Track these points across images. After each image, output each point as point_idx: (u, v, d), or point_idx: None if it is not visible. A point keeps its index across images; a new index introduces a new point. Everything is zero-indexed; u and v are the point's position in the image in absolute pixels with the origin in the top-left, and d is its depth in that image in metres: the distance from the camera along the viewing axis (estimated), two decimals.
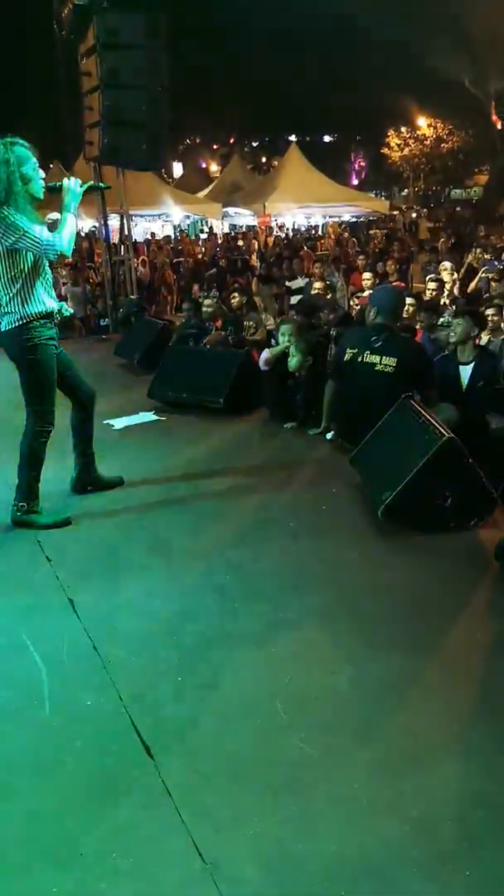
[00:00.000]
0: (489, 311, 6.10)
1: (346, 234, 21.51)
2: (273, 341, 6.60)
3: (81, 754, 2.33)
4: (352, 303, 8.23)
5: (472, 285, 9.65)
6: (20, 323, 3.81)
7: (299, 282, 12.12)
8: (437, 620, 3.02)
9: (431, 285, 8.00)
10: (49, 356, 3.90)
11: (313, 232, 23.55)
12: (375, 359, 4.78)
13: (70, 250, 3.86)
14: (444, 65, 25.87)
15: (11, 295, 3.78)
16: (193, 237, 23.75)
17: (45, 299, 3.88)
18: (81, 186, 3.98)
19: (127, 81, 8.45)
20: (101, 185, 4.68)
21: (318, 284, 9.75)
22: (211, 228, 23.94)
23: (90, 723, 2.48)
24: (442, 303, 7.78)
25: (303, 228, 25.12)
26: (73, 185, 3.93)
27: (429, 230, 20.62)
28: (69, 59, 9.71)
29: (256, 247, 20.19)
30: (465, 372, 4.94)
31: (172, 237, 22.36)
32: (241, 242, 20.70)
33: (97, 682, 2.70)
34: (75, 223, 3.90)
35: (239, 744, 2.35)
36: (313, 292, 9.49)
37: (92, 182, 4.23)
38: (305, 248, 17.77)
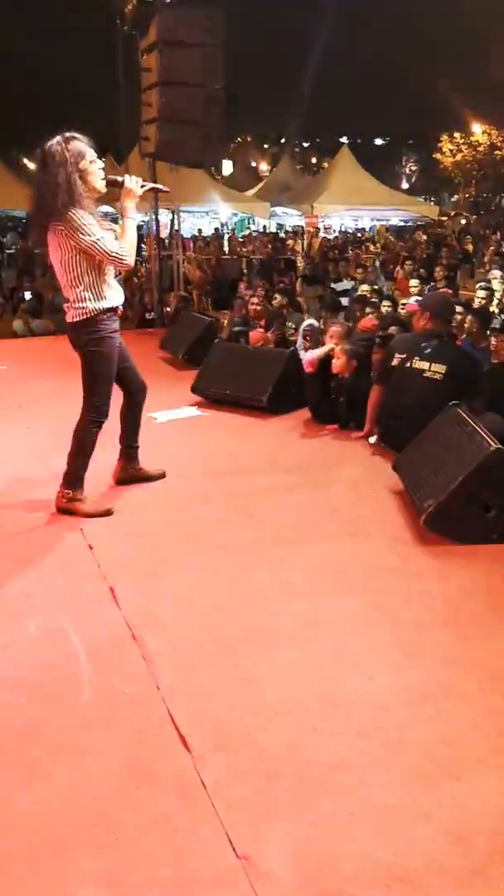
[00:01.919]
0: None
1: (392, 239, 21.37)
2: (301, 340, 6.60)
3: (118, 741, 2.36)
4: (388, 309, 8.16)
5: None
6: (87, 316, 3.88)
7: (345, 284, 12.12)
8: (476, 631, 3.00)
9: (481, 293, 7.93)
10: (112, 349, 3.97)
11: (360, 235, 23.41)
12: (424, 365, 4.75)
13: (133, 259, 3.95)
14: (502, 70, 25.55)
15: (79, 290, 3.85)
16: (241, 235, 23.75)
17: (111, 294, 3.94)
18: (142, 187, 4.02)
19: (186, 79, 8.51)
20: (160, 187, 4.70)
21: (364, 287, 9.73)
22: (265, 228, 23.94)
23: (127, 711, 2.51)
24: (491, 311, 7.71)
25: (350, 231, 25.00)
26: (133, 184, 3.95)
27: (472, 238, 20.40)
28: (130, 54, 9.80)
29: (302, 247, 20.17)
30: None
31: (218, 234, 22.41)
32: (289, 242, 20.67)
33: (135, 671, 2.73)
34: (135, 229, 3.97)
35: (273, 742, 2.36)
36: (358, 294, 9.47)
37: (152, 183, 4.26)
38: (352, 250, 17.72)
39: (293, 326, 7.56)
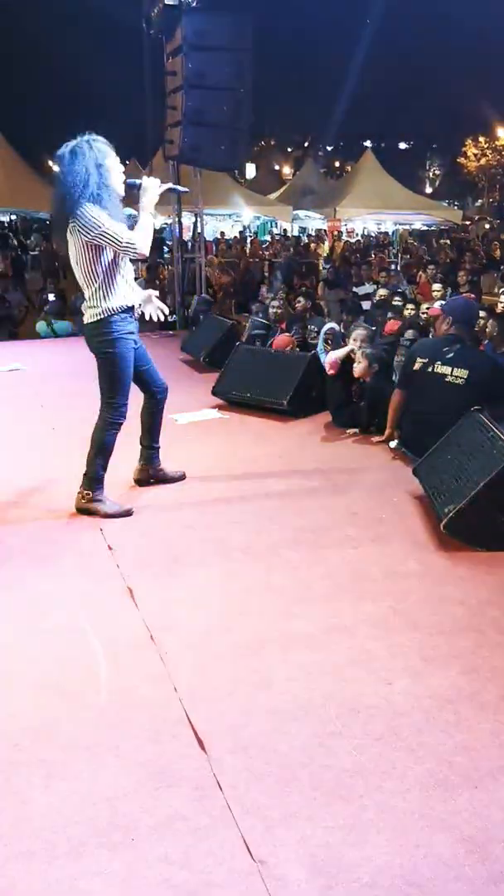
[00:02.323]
0: None
1: (415, 243, 21.29)
2: (322, 344, 6.60)
3: (135, 741, 2.37)
4: (411, 313, 8.14)
5: None
6: (101, 316, 3.89)
7: (367, 288, 12.09)
8: (497, 639, 2.97)
9: None
10: (127, 350, 3.98)
11: (382, 239, 23.34)
12: (446, 370, 4.73)
13: (148, 249, 3.93)
14: None
15: (94, 289, 3.87)
16: (265, 239, 23.78)
17: (126, 293, 3.95)
18: (160, 187, 4.03)
19: (211, 83, 8.54)
20: (180, 188, 4.72)
21: (382, 292, 9.70)
22: (285, 232, 23.95)
23: (145, 711, 2.51)
24: None
25: (373, 234, 24.95)
26: (151, 184, 3.97)
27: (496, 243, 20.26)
28: (155, 58, 9.86)
29: (324, 251, 20.15)
30: None
31: (242, 237, 22.45)
32: (312, 246, 20.67)
33: (153, 672, 2.73)
34: (153, 223, 3.97)
35: (291, 745, 2.35)
36: (378, 298, 9.44)
37: (171, 184, 4.28)
38: (374, 254, 17.68)
39: (315, 330, 7.55)
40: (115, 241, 3.77)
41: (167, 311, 4.45)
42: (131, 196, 4.05)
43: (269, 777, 2.21)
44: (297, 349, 7.13)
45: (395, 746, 2.34)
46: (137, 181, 4.02)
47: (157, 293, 4.36)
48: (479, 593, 3.32)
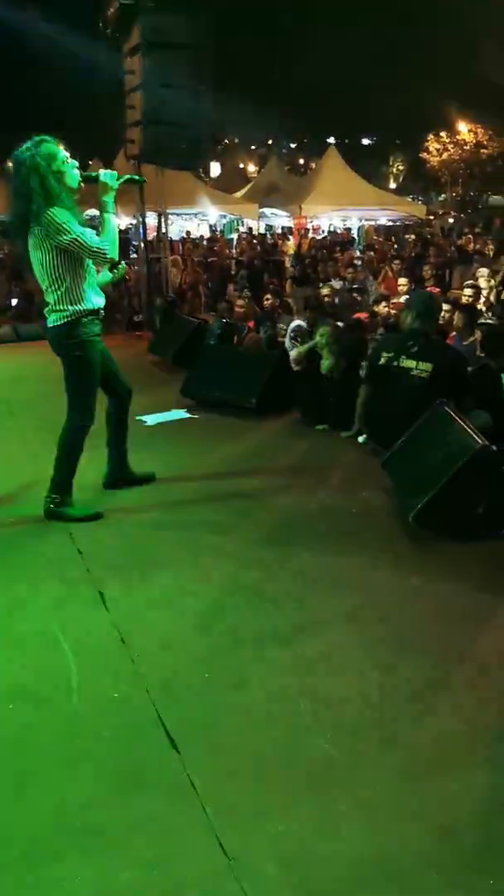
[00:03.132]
0: None
1: (380, 238, 21.40)
2: (290, 342, 6.62)
3: (108, 745, 2.36)
4: (379, 308, 8.22)
5: None
6: (68, 320, 3.86)
7: (333, 284, 12.10)
8: (465, 628, 3.00)
9: (468, 291, 7.95)
10: (95, 353, 3.96)
11: (344, 235, 23.39)
12: (411, 364, 4.76)
13: (117, 254, 3.91)
14: (488, 69, 25.66)
15: (60, 293, 3.83)
16: (232, 238, 23.75)
17: (92, 296, 3.92)
18: (118, 179, 3.99)
19: (170, 81, 8.51)
20: (136, 177, 4.66)
21: (325, 290, 9.75)
22: (250, 230, 23.93)
23: (117, 715, 2.50)
24: (479, 308, 7.73)
25: (339, 231, 25.04)
26: (109, 178, 3.91)
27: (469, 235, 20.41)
28: (113, 57, 9.80)
29: (289, 249, 20.17)
30: None
31: (206, 236, 22.39)
32: (279, 244, 20.67)
33: (125, 674, 2.72)
34: (117, 223, 3.94)
35: (264, 742, 2.36)
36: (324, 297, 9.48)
37: (128, 175, 4.24)
38: (340, 251, 17.74)
39: (285, 328, 7.56)
40: (86, 248, 3.76)
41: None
42: (93, 192, 4.00)
43: (242, 775, 2.22)
44: (269, 348, 7.11)
45: (367, 738, 2.36)
46: (94, 174, 3.99)
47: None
48: (448, 583, 3.36)
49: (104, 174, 3.94)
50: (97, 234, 3.83)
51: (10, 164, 3.78)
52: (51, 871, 1.91)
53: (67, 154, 3.81)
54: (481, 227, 23.18)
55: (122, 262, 4.24)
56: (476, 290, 8.13)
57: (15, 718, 2.50)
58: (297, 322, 7.12)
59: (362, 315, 7.68)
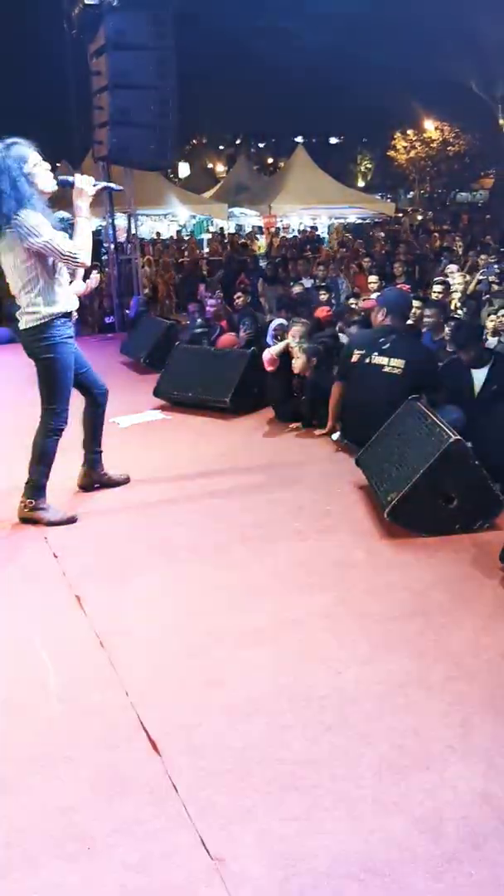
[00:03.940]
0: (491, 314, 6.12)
1: (350, 236, 21.49)
2: (268, 341, 6.64)
3: (88, 750, 2.34)
4: (351, 304, 8.29)
5: (472, 287, 9.65)
6: (40, 322, 3.83)
7: (305, 283, 12.14)
8: (442, 622, 3.03)
9: (437, 287, 8.01)
10: (68, 354, 3.93)
11: (310, 234, 23.45)
12: (383, 361, 4.80)
13: (90, 258, 3.87)
14: (452, 67, 25.90)
15: (32, 296, 3.80)
16: (202, 238, 23.70)
17: (64, 299, 3.90)
18: (94, 185, 3.98)
19: (136, 81, 8.49)
20: (113, 186, 4.65)
21: (296, 288, 9.80)
22: (222, 230, 23.90)
23: (97, 718, 2.49)
24: (454, 305, 7.80)
25: (308, 230, 25.11)
26: (85, 184, 3.90)
27: (437, 232, 20.56)
28: (79, 58, 9.74)
29: (260, 248, 20.19)
30: (479, 376, 4.93)
31: (176, 237, 22.32)
32: (249, 244, 20.67)
33: (104, 678, 2.71)
34: (90, 228, 3.92)
35: (244, 741, 2.36)
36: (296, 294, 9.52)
37: (105, 182, 4.21)
38: (308, 250, 17.79)
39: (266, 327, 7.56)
40: (58, 252, 3.73)
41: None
42: (66, 196, 3.98)
43: (224, 775, 2.22)
44: (247, 347, 7.08)
45: (346, 734, 2.37)
46: (70, 178, 3.95)
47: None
48: (424, 578, 3.38)
49: (80, 179, 3.92)
50: (70, 238, 3.81)
51: None
52: (33, 878, 1.90)
53: (39, 157, 3.78)
54: (449, 223, 23.42)
55: (95, 270, 4.21)
56: (446, 286, 8.21)
57: None
58: (278, 321, 7.13)
59: (322, 311, 7.73)
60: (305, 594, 3.27)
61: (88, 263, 3.93)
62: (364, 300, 8.14)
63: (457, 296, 8.16)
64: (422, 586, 3.32)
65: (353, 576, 3.44)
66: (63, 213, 4.13)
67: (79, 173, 4.13)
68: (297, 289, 9.59)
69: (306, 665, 2.75)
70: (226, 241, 21.28)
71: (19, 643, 2.94)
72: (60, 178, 3.93)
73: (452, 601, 3.20)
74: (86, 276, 4.24)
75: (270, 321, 7.81)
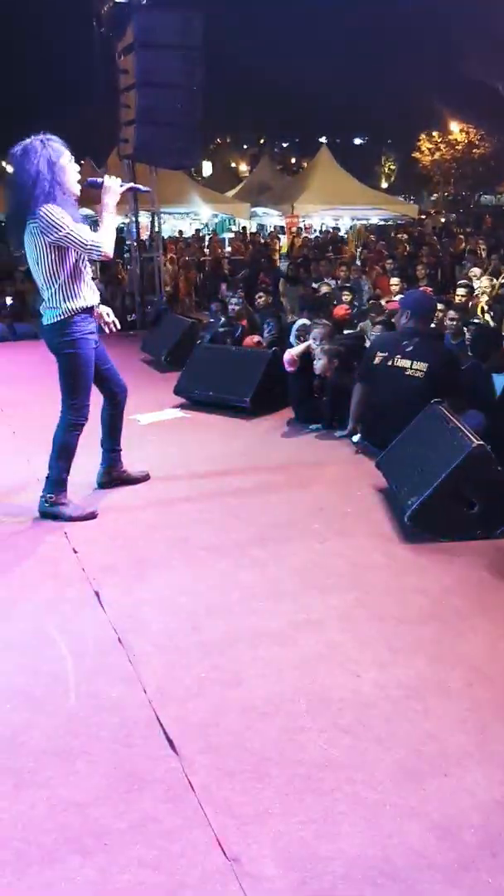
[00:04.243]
0: None
1: (372, 238, 21.42)
2: (291, 341, 6.62)
3: (106, 745, 2.35)
4: (378, 302, 8.27)
5: (496, 290, 9.58)
6: (62, 317, 3.85)
7: (326, 283, 12.11)
8: (461, 627, 3.01)
9: (461, 290, 7.97)
10: (89, 350, 3.95)
11: (332, 235, 23.37)
12: (406, 363, 4.78)
13: (112, 250, 3.90)
14: (479, 69, 25.73)
15: (54, 290, 3.83)
16: (224, 237, 23.73)
17: (87, 294, 3.92)
18: (121, 186, 4.01)
19: (163, 80, 8.50)
20: (140, 187, 4.67)
21: (323, 288, 9.78)
22: (244, 229, 23.91)
23: (115, 715, 2.49)
24: (479, 309, 7.76)
25: (330, 230, 25.07)
26: (113, 183, 3.94)
27: (461, 235, 20.41)
28: (107, 56, 9.78)
29: (283, 248, 20.17)
30: (502, 380, 4.90)
31: (196, 235, 22.34)
32: (272, 243, 20.67)
33: (122, 674, 2.72)
34: (115, 223, 3.94)
35: (262, 742, 2.36)
36: (320, 295, 9.51)
37: (132, 183, 4.23)
38: (331, 250, 17.76)
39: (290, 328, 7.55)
40: (80, 243, 3.75)
41: (117, 327, 4.40)
42: (92, 195, 4.01)
43: (241, 775, 2.22)
44: (271, 348, 7.05)
45: (364, 738, 2.36)
46: (99, 180, 3.99)
47: (108, 310, 4.32)
48: (443, 583, 3.36)
49: (109, 179, 3.97)
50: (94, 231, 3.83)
51: (14, 155, 3.76)
52: (49, 872, 1.90)
53: (71, 156, 3.82)
54: (471, 227, 23.25)
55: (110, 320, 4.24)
56: (469, 290, 8.16)
57: (11, 718, 2.49)
58: (301, 321, 7.12)
59: (340, 310, 7.72)
60: (324, 595, 3.26)
61: (111, 255, 3.94)
62: (388, 302, 8.11)
63: (484, 298, 8.11)
64: (441, 591, 3.30)
65: (371, 578, 3.43)
66: (88, 211, 4.15)
67: (106, 173, 4.15)
68: (324, 288, 9.56)
69: (324, 667, 2.74)
70: (248, 240, 21.28)
71: (39, 636, 2.96)
72: (90, 179, 3.99)
73: (471, 607, 3.18)
74: (108, 272, 4.25)
75: (292, 322, 7.80)
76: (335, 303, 8.52)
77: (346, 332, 6.91)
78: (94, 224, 4.00)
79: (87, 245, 3.77)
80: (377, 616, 3.09)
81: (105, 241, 3.83)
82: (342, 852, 1.94)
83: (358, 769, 2.23)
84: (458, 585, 3.35)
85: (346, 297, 9.07)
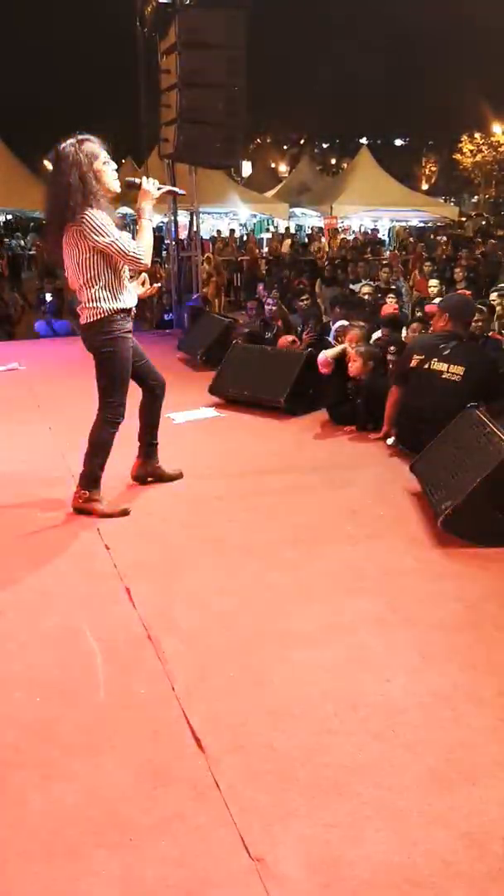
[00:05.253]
0: None
1: (412, 240, 21.26)
2: (334, 342, 6.59)
3: (134, 741, 2.37)
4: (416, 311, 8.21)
5: None
6: (101, 317, 3.89)
7: (364, 284, 12.03)
8: (494, 635, 2.97)
9: (493, 295, 7.87)
10: (126, 349, 3.98)
11: (372, 236, 23.23)
12: (443, 366, 4.72)
13: (150, 260, 3.95)
14: None
15: (95, 290, 3.86)
16: (262, 237, 23.76)
17: (125, 296, 3.95)
18: (158, 189, 4.04)
19: (205, 80, 8.52)
20: (177, 190, 4.69)
21: (365, 289, 9.69)
22: (287, 230, 23.89)
23: (143, 711, 2.51)
24: None
25: (369, 231, 24.95)
26: (151, 186, 3.97)
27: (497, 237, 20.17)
28: (149, 56, 9.84)
29: (325, 248, 20.11)
30: None
31: (229, 236, 22.37)
32: (313, 245, 20.62)
33: (151, 671, 2.73)
34: (151, 229, 3.97)
35: (288, 743, 2.35)
36: (362, 295, 9.43)
37: (169, 186, 4.25)
38: (370, 252, 17.66)
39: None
40: (123, 253, 3.80)
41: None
42: (130, 195, 4.04)
43: (267, 775, 2.21)
44: (303, 346, 7.02)
45: (393, 744, 2.34)
46: (137, 180, 4.02)
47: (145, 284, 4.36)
48: (476, 589, 3.32)
49: (147, 181, 3.98)
50: (133, 238, 3.86)
51: (50, 159, 3.81)
52: (74, 865, 1.92)
53: (108, 155, 3.84)
54: None
55: (155, 284, 4.29)
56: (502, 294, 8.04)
57: (41, 711, 2.52)
58: (340, 322, 7.09)
59: (389, 308, 7.67)
60: (355, 599, 3.24)
61: (149, 265, 3.98)
62: (426, 304, 8.04)
63: None
64: (474, 598, 3.26)
65: (403, 583, 3.40)
66: (125, 209, 4.19)
67: (144, 175, 4.17)
68: (365, 289, 9.49)
69: (354, 671, 2.72)
70: (288, 240, 21.25)
71: (70, 631, 2.98)
72: (128, 179, 4.02)
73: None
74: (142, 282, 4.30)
75: (330, 323, 7.77)
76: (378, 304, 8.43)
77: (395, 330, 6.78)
78: (132, 223, 4.03)
79: (129, 255, 3.81)
80: (409, 621, 3.06)
81: (145, 252, 3.87)
82: (367, 857, 1.93)
83: (386, 775, 2.21)
84: (492, 593, 3.30)
85: (391, 299, 8.98)
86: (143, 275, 4.29)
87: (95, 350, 3.97)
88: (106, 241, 3.74)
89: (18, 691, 2.62)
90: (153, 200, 4.00)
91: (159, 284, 4.40)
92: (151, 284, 4.45)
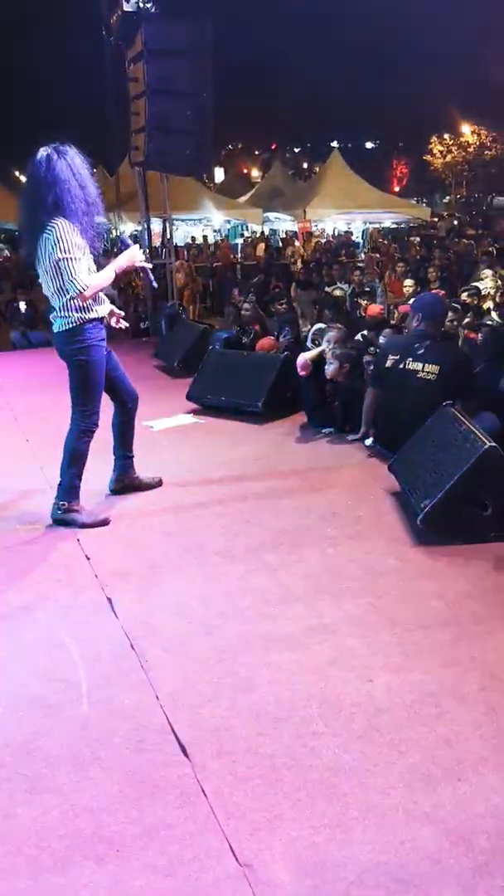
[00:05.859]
0: None
1: (385, 241, 21.39)
2: (311, 344, 6.62)
3: (118, 751, 2.35)
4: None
5: None
6: (74, 325, 3.87)
7: (339, 287, 12.09)
8: (476, 631, 2.99)
9: (464, 295, 7.96)
10: (100, 357, 3.96)
11: (346, 238, 23.33)
12: (418, 366, 4.76)
13: (91, 296, 3.87)
14: (490, 70, 25.69)
15: (65, 300, 3.83)
16: (236, 242, 23.78)
17: (97, 305, 3.94)
18: (140, 261, 4.14)
19: (173, 88, 8.54)
20: (147, 266, 4.45)
21: (337, 292, 9.75)
22: (262, 233, 23.92)
23: (127, 721, 2.50)
24: (486, 308, 7.74)
25: (343, 234, 25.06)
26: (137, 254, 4.10)
27: (473, 238, 20.33)
28: (117, 65, 9.85)
29: (300, 252, 20.17)
30: None
31: (202, 242, 22.38)
32: (287, 249, 20.67)
33: (134, 680, 2.72)
34: (111, 278, 4.00)
35: (274, 747, 2.35)
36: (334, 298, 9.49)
37: (147, 264, 4.23)
38: (344, 254, 17.74)
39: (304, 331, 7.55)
40: (70, 273, 3.75)
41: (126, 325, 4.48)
42: (104, 200, 4.10)
43: (253, 780, 2.21)
44: (282, 350, 7.03)
45: (377, 743, 2.35)
46: (129, 242, 4.20)
47: (121, 312, 4.37)
48: (457, 586, 3.34)
49: (134, 248, 4.12)
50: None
51: (29, 164, 3.79)
52: (62, 878, 1.91)
53: (86, 164, 3.83)
54: (482, 229, 23.13)
55: (122, 323, 4.35)
56: (475, 291, 8.14)
57: (24, 724, 2.50)
58: (318, 325, 7.11)
59: (375, 309, 7.72)
60: (336, 600, 3.25)
61: (86, 298, 3.85)
62: (401, 306, 8.11)
63: (499, 297, 8.06)
64: (454, 595, 3.28)
65: (385, 583, 3.41)
66: (102, 219, 4.18)
67: (118, 183, 4.21)
68: (337, 293, 9.54)
69: (337, 672, 2.73)
70: (262, 244, 21.29)
71: (52, 643, 2.97)
72: (121, 237, 4.27)
73: (486, 610, 3.15)
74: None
75: (309, 328, 7.80)
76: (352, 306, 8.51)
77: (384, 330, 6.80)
78: (106, 233, 4.04)
79: (74, 279, 3.75)
80: (391, 620, 3.07)
81: (90, 288, 3.81)
82: (355, 858, 1.93)
83: (371, 774, 2.22)
84: (473, 589, 3.32)
85: (363, 301, 9.04)
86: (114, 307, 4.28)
87: (68, 358, 3.95)
88: (60, 256, 3.72)
89: (1, 706, 2.60)
90: (130, 264, 4.08)
91: (126, 325, 4.42)
92: (129, 293, 4.48)
